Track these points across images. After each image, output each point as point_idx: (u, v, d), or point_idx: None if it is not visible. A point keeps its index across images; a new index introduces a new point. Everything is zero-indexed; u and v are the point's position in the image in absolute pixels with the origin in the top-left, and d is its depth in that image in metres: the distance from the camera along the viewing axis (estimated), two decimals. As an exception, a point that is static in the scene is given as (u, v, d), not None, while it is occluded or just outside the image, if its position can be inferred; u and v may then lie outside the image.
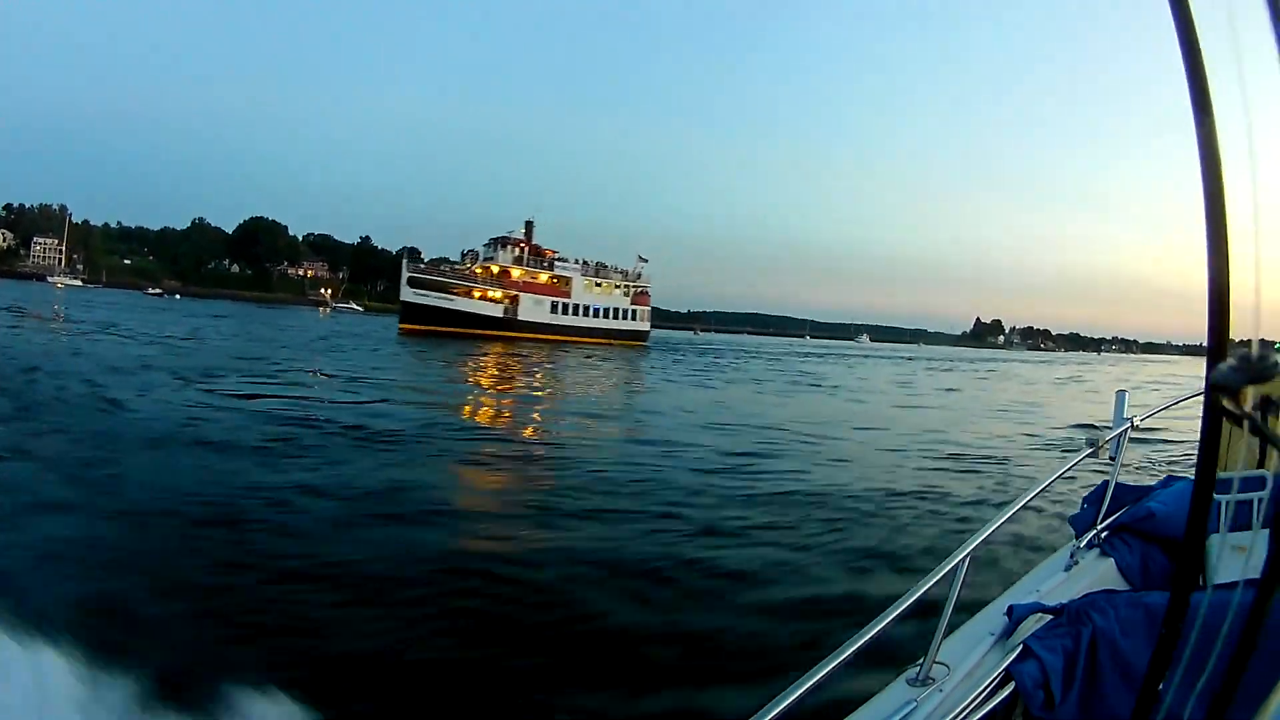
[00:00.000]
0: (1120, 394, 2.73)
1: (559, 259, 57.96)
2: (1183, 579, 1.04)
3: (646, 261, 63.85)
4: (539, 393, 21.43)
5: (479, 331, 53.25)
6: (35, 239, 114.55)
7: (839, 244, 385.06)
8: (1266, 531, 0.87)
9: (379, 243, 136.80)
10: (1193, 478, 1.06)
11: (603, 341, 56.68)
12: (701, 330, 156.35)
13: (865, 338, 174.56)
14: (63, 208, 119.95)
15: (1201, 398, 0.90)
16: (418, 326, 52.06)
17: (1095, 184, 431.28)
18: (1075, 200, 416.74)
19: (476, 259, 57.40)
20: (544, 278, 57.05)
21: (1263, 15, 0.70)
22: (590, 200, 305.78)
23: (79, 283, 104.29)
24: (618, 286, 60.46)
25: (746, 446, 12.07)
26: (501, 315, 54.79)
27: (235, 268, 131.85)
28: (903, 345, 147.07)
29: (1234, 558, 1.49)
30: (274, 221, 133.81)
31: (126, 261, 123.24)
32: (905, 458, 11.92)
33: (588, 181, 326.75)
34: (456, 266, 58.21)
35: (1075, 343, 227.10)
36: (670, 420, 16.03)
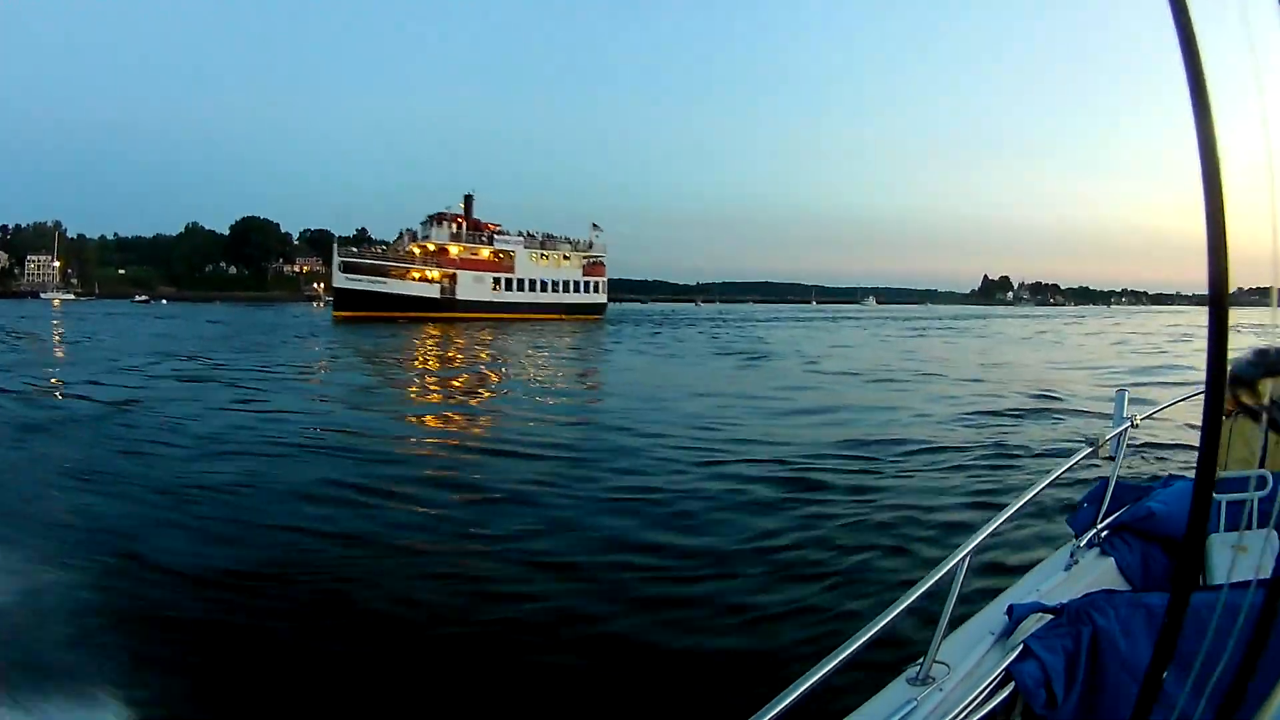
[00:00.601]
0: (1120, 392, 2.66)
1: (499, 232, 54.56)
2: (1183, 578, 1.05)
3: (601, 230, 59.95)
4: (364, 382, 17.74)
5: (417, 315, 50.50)
6: (29, 256, 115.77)
7: (848, 209, 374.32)
8: (1268, 531, 0.92)
9: (376, 234, 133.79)
10: (1192, 476, 1.06)
11: (553, 317, 53.37)
12: (704, 302, 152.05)
13: (872, 300, 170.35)
14: (57, 224, 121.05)
15: (1201, 397, 0.91)
16: (352, 313, 49.60)
17: (1101, 137, 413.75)
18: (1081, 155, 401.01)
19: (415, 238, 54.44)
20: (484, 253, 53.76)
21: None
22: (597, 182, 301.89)
23: (73, 296, 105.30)
24: (566, 258, 56.79)
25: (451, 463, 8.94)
26: (438, 296, 51.83)
27: (233, 269, 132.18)
28: (910, 306, 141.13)
29: (1233, 557, 1.51)
30: (265, 220, 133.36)
31: (121, 271, 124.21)
32: (713, 453, 8.60)
33: (593, 164, 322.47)
34: (391, 246, 55.50)
35: (1085, 296, 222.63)
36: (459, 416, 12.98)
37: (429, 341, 32.26)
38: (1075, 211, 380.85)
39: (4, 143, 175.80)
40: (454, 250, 52.89)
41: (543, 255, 55.44)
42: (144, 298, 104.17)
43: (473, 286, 52.34)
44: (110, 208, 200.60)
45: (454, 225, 53.12)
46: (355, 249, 54.68)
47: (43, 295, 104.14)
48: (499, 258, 53.97)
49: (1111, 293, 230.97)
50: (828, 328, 47.44)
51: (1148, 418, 2.66)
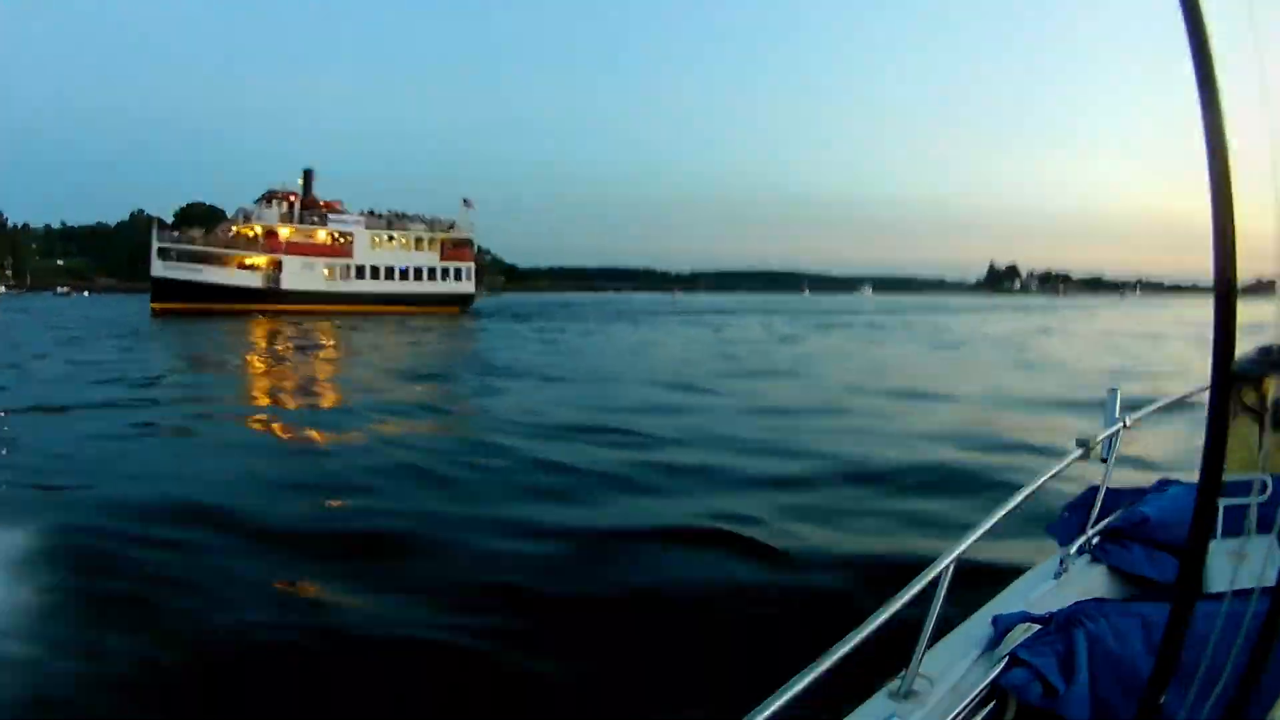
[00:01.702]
0: (1112, 391, 2.54)
1: (336, 211, 47.16)
2: (1185, 587, 1.01)
3: (471, 206, 51.91)
4: None
5: (240, 307, 43.55)
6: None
7: (853, 195, 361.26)
8: (1270, 538, 0.90)
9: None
10: (1187, 481, 1.09)
11: (401, 309, 45.87)
12: (682, 292, 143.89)
13: (868, 290, 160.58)
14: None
15: (1202, 396, 0.90)
16: (171, 305, 42.86)
17: (1119, 119, 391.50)
18: (1099, 136, 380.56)
19: (248, 219, 47.37)
20: (321, 236, 46.52)
21: None
22: (599, 170, 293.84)
23: (3, 289, 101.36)
24: (419, 239, 49.14)
25: None
26: (261, 286, 44.76)
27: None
28: (910, 296, 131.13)
29: (1234, 565, 1.47)
30: (212, 206, 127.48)
31: (60, 263, 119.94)
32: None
33: (591, 150, 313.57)
34: (218, 229, 48.55)
35: (1098, 286, 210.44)
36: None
37: (224, 340, 26.09)
38: (1091, 196, 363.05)
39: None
40: (284, 233, 45.72)
41: (389, 238, 47.91)
42: (65, 290, 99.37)
43: (301, 275, 45.11)
44: (56, 196, 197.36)
45: (285, 204, 45.91)
46: (177, 233, 47.66)
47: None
48: (337, 241, 46.65)
49: (1125, 283, 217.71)
50: (747, 328, 39.24)
51: (1141, 418, 2.57)
